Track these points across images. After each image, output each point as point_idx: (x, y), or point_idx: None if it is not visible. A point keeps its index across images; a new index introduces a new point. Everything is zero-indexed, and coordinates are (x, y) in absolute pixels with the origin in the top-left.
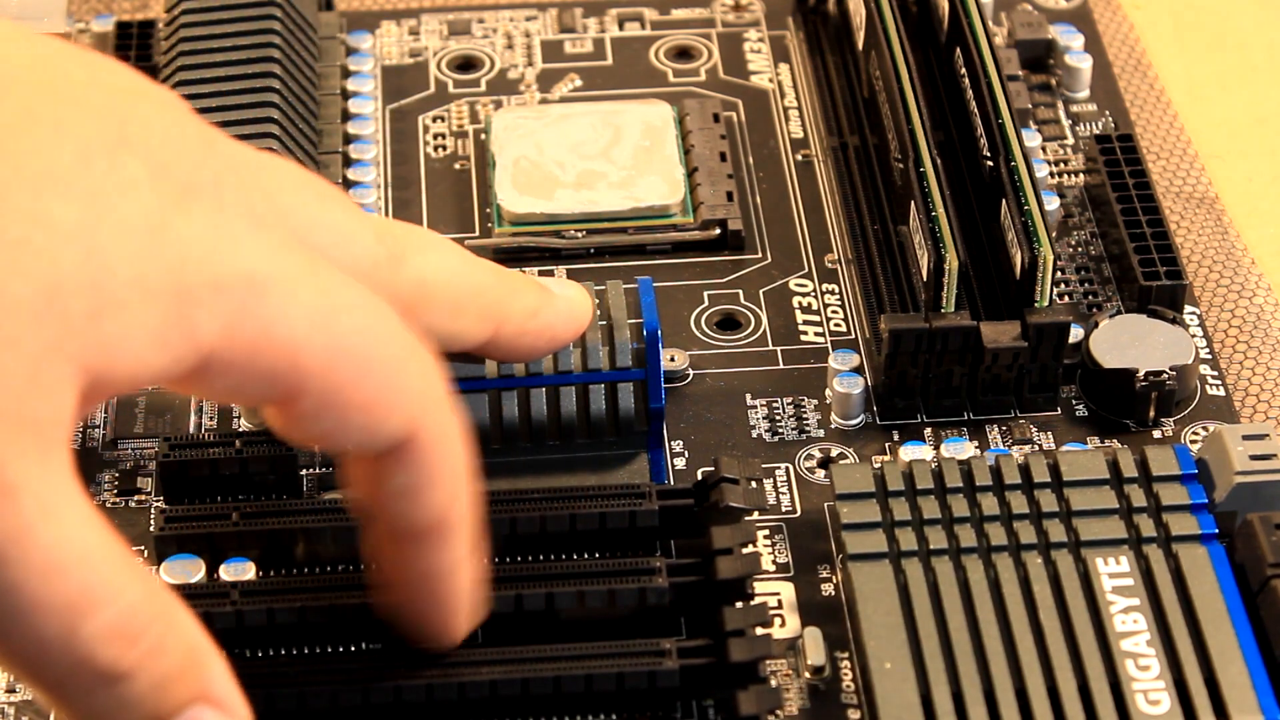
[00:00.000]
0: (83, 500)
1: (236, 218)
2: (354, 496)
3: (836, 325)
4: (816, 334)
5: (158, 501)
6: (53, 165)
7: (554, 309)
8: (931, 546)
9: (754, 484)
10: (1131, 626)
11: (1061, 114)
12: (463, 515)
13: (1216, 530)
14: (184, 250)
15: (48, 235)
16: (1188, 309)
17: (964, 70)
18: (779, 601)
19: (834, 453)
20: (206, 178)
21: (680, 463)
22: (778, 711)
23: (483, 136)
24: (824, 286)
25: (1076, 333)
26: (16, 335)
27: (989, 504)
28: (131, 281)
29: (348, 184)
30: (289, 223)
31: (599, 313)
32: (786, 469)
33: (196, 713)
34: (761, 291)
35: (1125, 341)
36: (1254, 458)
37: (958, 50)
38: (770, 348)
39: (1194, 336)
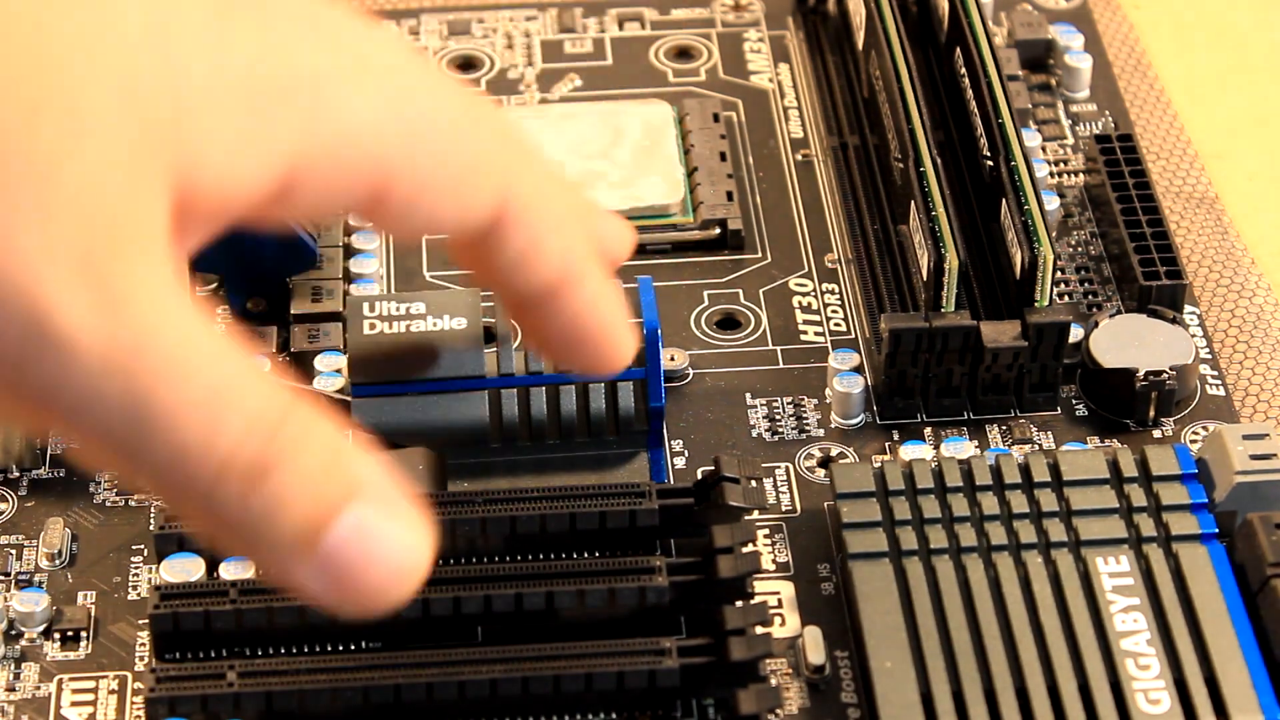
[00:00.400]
0: (192, 303)
1: (287, 24)
2: (476, 279)
3: (836, 325)
4: (816, 334)
5: (158, 500)
6: None
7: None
8: (932, 546)
9: (754, 483)
10: (1131, 626)
11: (1061, 114)
12: (585, 254)
13: (1216, 530)
14: (248, 57)
15: (118, 39)
16: (1188, 309)
17: (964, 70)
18: (779, 600)
19: (834, 452)
20: None
21: (680, 462)
22: (778, 710)
23: None
24: (824, 286)
25: (1076, 332)
26: (105, 140)
27: (989, 503)
28: (206, 86)
29: None
30: (335, 30)
31: None
32: (786, 468)
33: (359, 511)
34: (761, 291)
35: (1125, 341)
36: (1254, 458)
37: (958, 50)
38: (770, 347)
39: (1194, 336)
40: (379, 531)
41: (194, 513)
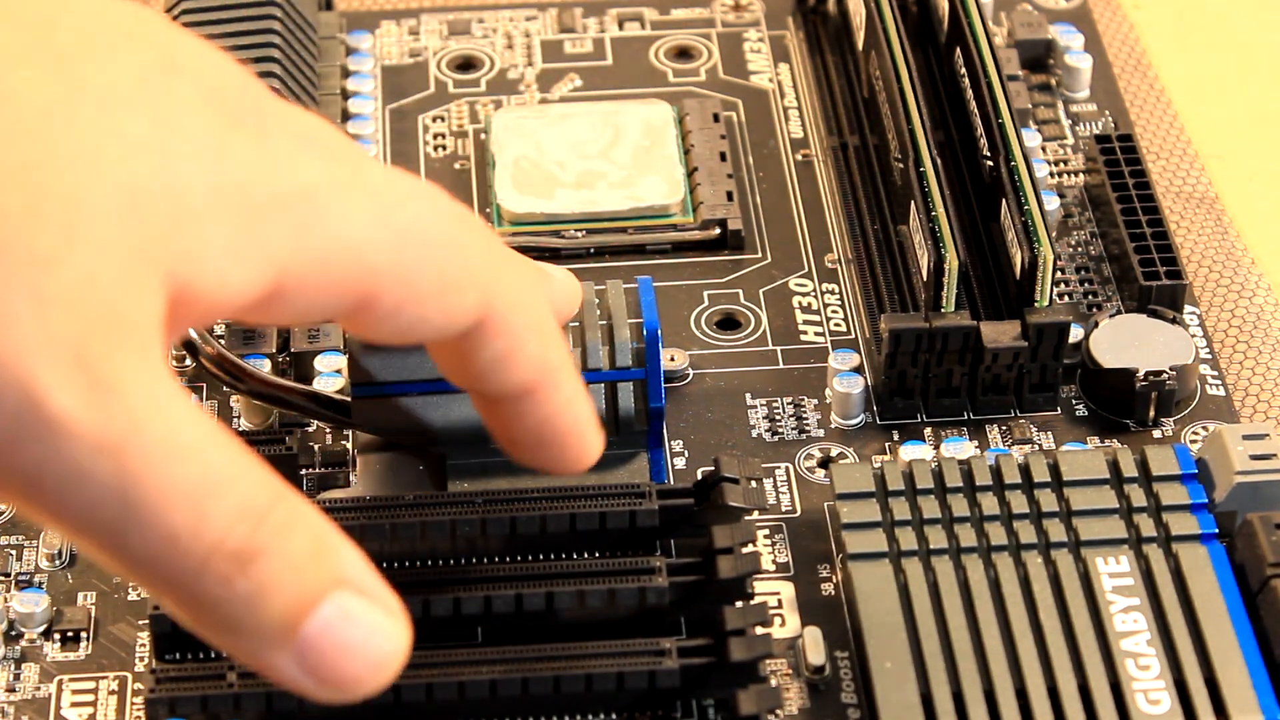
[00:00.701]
0: (185, 395)
1: (283, 139)
2: (451, 377)
3: (836, 325)
4: (816, 334)
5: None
6: (114, 84)
7: (549, 288)
8: (931, 546)
9: (754, 484)
10: (1131, 626)
11: (1061, 114)
12: (561, 359)
13: (1216, 530)
14: (245, 168)
15: (121, 147)
16: (1188, 309)
17: (964, 70)
18: (779, 601)
19: (834, 452)
20: (250, 105)
21: (680, 462)
22: (778, 711)
23: (483, 136)
24: (824, 286)
25: (1076, 333)
26: (104, 239)
27: (989, 504)
28: (205, 195)
29: None
30: (327, 144)
31: (599, 312)
32: (786, 469)
33: (340, 600)
34: (761, 291)
35: (1125, 341)
36: (1254, 458)
37: (958, 50)
38: (770, 347)
39: (1194, 336)
40: (358, 621)
41: (175, 600)
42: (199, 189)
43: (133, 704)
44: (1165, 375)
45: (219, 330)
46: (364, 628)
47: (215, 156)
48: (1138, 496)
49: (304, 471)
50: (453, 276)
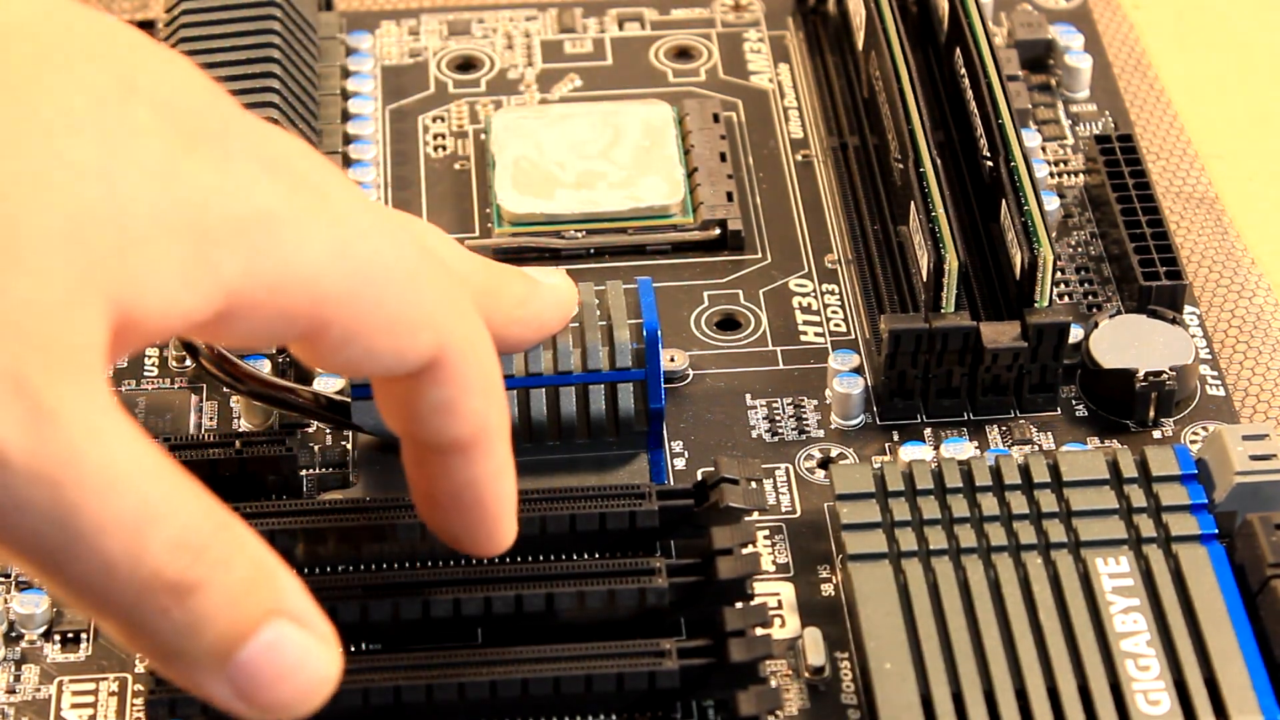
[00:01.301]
0: (128, 423)
1: (245, 162)
2: (388, 418)
3: (836, 325)
4: (816, 334)
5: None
6: (66, 109)
7: (541, 298)
8: (931, 547)
9: (754, 484)
10: (1131, 627)
11: (1061, 114)
12: (500, 424)
13: (1216, 530)
14: (200, 192)
15: (67, 173)
16: (1188, 309)
17: (964, 70)
18: (779, 602)
19: (834, 453)
20: (214, 126)
21: (680, 463)
22: (778, 712)
23: (483, 136)
24: (824, 286)
25: (1076, 333)
26: (45, 266)
27: (989, 504)
28: (153, 219)
29: None
30: (295, 168)
31: (599, 313)
32: (786, 469)
33: (276, 628)
34: (761, 291)
35: (1125, 341)
36: (1254, 458)
37: (958, 50)
38: (770, 348)
39: (1194, 336)
40: (291, 648)
41: (113, 625)
42: (146, 215)
43: (133, 705)
44: (1165, 375)
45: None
46: (295, 655)
47: (166, 180)
48: (1138, 497)
49: (304, 472)
50: (406, 315)
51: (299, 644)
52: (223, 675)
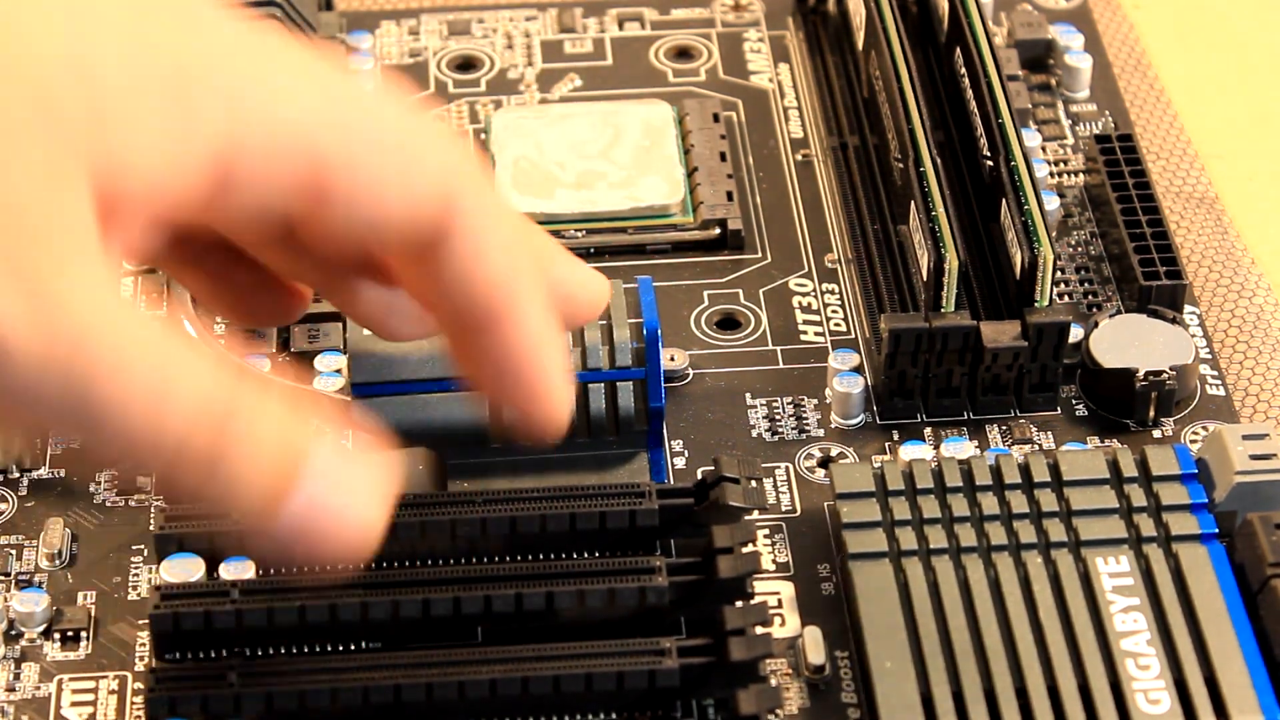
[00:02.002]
0: (128, 300)
1: (218, 24)
2: (421, 304)
3: (836, 325)
4: (816, 334)
5: (158, 501)
6: None
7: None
8: (931, 546)
9: (754, 483)
10: (1131, 626)
11: (1061, 114)
12: (529, 291)
13: (1216, 530)
14: (171, 51)
15: (32, 49)
16: (1188, 309)
17: (964, 70)
18: (779, 600)
19: (834, 452)
20: None
21: (680, 462)
22: (778, 711)
23: (483, 136)
24: (824, 286)
25: (1076, 333)
26: (17, 149)
27: (989, 504)
28: (123, 84)
29: None
30: (271, 36)
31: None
32: (786, 468)
33: (313, 480)
34: (761, 291)
35: (1125, 341)
36: (1254, 458)
37: (958, 50)
38: (770, 347)
39: (1194, 336)
40: (337, 490)
41: (162, 487)
42: (116, 79)
43: (133, 704)
44: (1165, 375)
45: (219, 330)
46: (343, 495)
47: (135, 43)
48: (1138, 496)
49: None
50: (408, 160)
51: (342, 483)
52: (278, 527)
